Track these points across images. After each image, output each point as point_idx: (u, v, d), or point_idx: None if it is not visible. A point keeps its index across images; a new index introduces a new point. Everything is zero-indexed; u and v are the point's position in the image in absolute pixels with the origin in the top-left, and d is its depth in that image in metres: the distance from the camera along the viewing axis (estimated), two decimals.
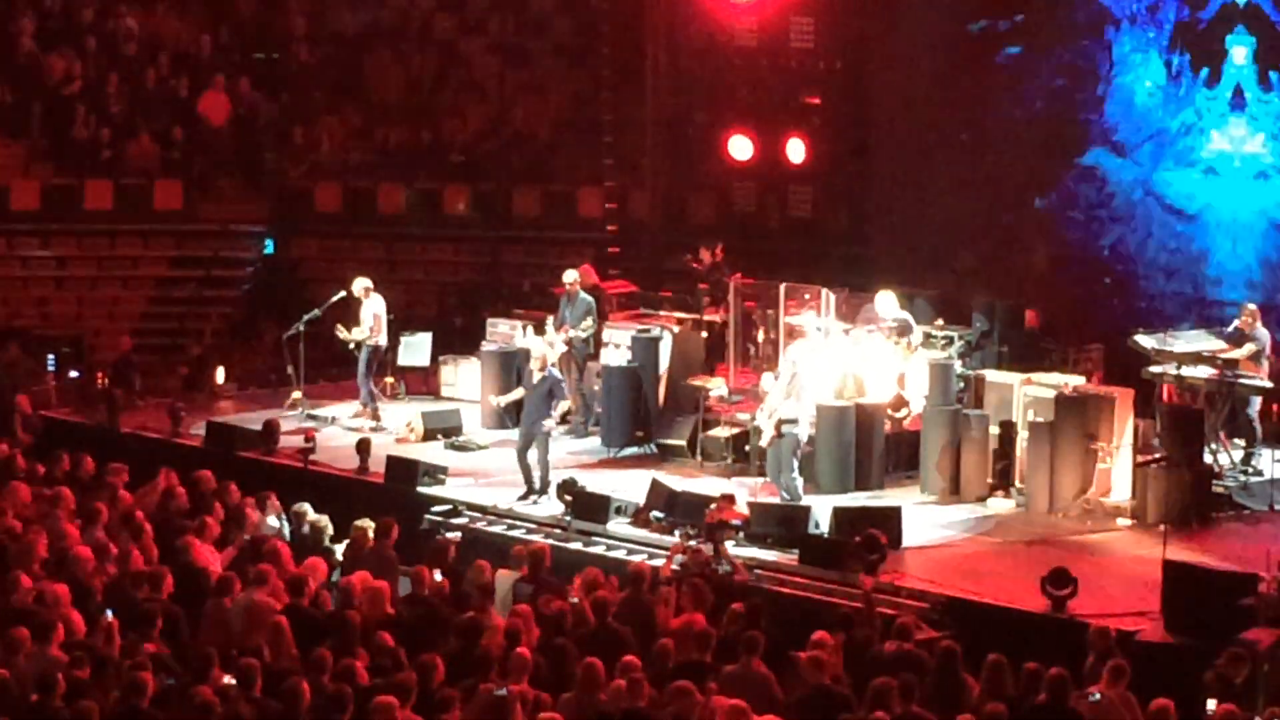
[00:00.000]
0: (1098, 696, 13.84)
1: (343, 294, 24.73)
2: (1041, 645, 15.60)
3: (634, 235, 30.25)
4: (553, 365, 21.46)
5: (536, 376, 21.04)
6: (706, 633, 15.18)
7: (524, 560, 17.64)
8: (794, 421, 20.52)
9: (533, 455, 21.10)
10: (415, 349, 26.41)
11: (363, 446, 22.42)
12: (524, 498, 21.07)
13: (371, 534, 18.33)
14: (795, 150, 27.72)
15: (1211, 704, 13.68)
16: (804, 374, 20.79)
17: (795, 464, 20.61)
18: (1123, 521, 20.17)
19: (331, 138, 32.93)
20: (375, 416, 24.41)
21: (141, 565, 16.86)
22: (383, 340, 24.56)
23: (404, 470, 21.69)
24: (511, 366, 23.59)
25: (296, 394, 25.00)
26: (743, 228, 29.07)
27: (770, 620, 16.04)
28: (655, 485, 20.54)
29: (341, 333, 24.37)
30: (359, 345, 24.32)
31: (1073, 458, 20.37)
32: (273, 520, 19.28)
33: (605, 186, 30.51)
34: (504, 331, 25.03)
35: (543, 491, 21.01)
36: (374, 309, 24.42)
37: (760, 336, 23.70)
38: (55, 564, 16.75)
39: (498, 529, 20.58)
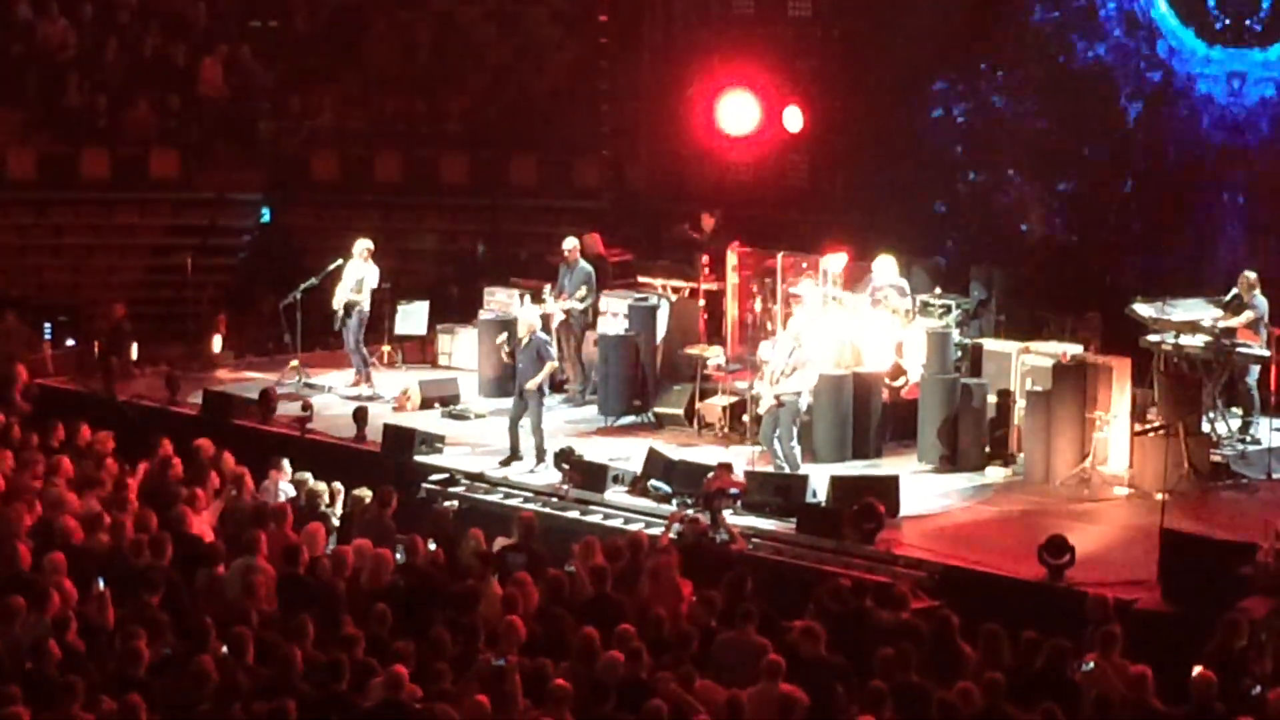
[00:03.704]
0: (1091, 666, 13.84)
1: (340, 262, 24.63)
2: (1039, 614, 15.58)
3: (630, 204, 30.18)
4: (539, 330, 21.48)
5: (524, 343, 21.12)
6: (713, 598, 15.18)
7: (515, 529, 17.65)
8: (796, 393, 20.50)
9: (525, 423, 21.12)
10: (412, 317, 26.38)
11: (360, 415, 22.41)
12: (505, 463, 21.07)
13: (369, 502, 18.34)
14: (793, 119, 27.64)
15: (1196, 670, 13.67)
16: (808, 347, 20.75)
17: (795, 432, 20.59)
18: (1120, 490, 20.15)
19: (329, 106, 32.85)
20: (370, 382, 24.39)
21: (135, 534, 16.80)
22: (366, 306, 24.53)
23: (401, 439, 21.67)
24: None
25: (294, 362, 24.99)
26: (740, 196, 28.98)
27: (766, 590, 16.03)
28: (652, 454, 20.50)
29: (349, 294, 24.24)
30: (349, 310, 24.21)
31: (1070, 427, 20.34)
32: (285, 486, 19.31)
33: (602, 155, 30.44)
34: (501, 300, 25.00)
35: (539, 458, 21.00)
36: (365, 274, 24.35)
37: (758, 305, 23.64)
38: (47, 533, 16.72)
39: (495, 498, 20.56)
